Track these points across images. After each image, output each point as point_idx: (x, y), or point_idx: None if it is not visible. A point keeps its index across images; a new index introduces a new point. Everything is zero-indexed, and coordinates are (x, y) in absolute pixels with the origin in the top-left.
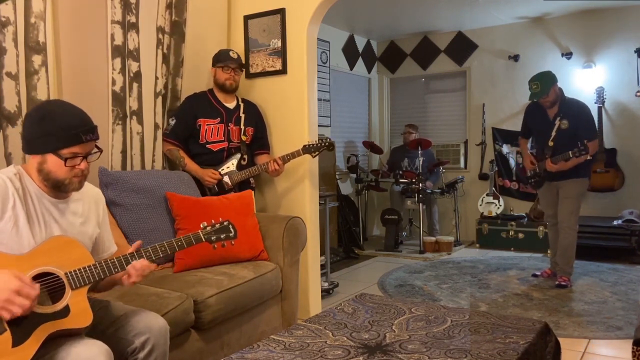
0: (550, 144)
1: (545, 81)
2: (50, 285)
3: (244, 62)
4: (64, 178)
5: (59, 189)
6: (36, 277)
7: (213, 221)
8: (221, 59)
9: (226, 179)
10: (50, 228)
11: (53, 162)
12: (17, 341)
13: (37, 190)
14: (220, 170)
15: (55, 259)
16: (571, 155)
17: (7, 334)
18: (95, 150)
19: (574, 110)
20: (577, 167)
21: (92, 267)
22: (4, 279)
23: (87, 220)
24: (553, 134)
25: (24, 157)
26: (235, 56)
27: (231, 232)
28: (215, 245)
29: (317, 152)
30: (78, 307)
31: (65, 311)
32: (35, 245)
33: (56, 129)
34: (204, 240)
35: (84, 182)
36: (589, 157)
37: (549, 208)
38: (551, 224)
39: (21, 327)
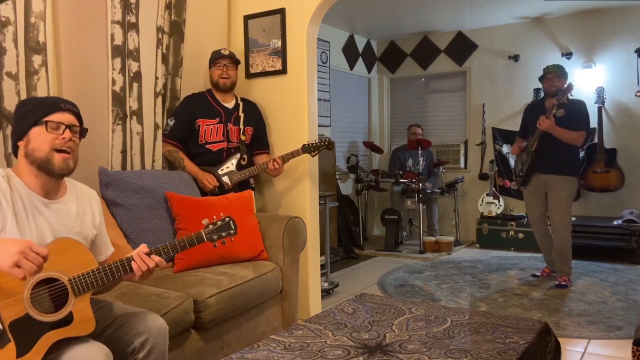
0: None
1: (562, 68)
2: (54, 292)
3: (243, 62)
4: (47, 153)
5: (46, 172)
6: (39, 284)
7: (215, 217)
8: (212, 57)
9: (225, 179)
10: (42, 229)
11: (35, 136)
12: (21, 351)
13: (27, 191)
14: (220, 170)
15: (58, 263)
16: (555, 103)
17: (12, 345)
18: (77, 125)
19: (572, 103)
20: (568, 164)
21: (96, 272)
22: (13, 239)
23: (82, 221)
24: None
25: None
26: (226, 52)
27: (232, 229)
28: (216, 244)
29: (316, 152)
30: (81, 314)
31: (69, 319)
32: None
33: (35, 104)
34: (205, 240)
35: (71, 164)
36: (575, 142)
37: (537, 208)
38: (537, 226)
39: (25, 337)
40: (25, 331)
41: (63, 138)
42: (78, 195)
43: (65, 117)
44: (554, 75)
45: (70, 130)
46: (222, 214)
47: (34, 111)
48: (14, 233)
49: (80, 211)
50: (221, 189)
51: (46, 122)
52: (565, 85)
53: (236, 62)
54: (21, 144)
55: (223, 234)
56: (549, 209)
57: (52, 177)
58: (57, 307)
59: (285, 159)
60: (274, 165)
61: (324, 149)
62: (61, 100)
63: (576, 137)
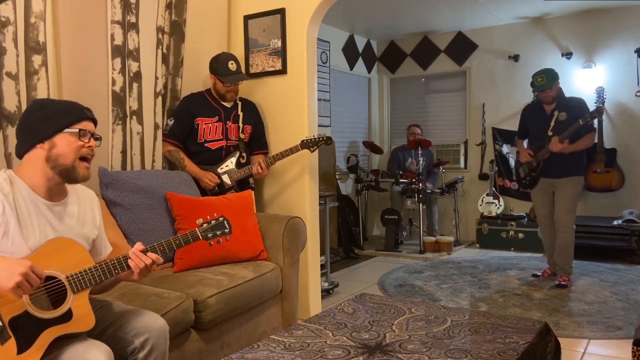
0: (550, 133)
1: (550, 75)
2: (52, 290)
3: (243, 62)
4: (73, 161)
5: (68, 178)
6: None
7: (208, 217)
8: (221, 72)
9: (225, 177)
10: (45, 232)
11: (63, 142)
12: (22, 348)
13: (31, 194)
14: (219, 168)
15: (55, 262)
16: (581, 123)
17: (12, 341)
18: (97, 135)
19: (572, 104)
20: (576, 163)
21: (93, 270)
22: (14, 259)
23: (83, 222)
24: (552, 124)
25: None
26: (234, 68)
27: (226, 228)
28: (212, 242)
29: (315, 147)
30: (80, 310)
31: (68, 315)
32: (29, 251)
33: (62, 109)
34: (200, 238)
35: (90, 173)
36: (583, 146)
37: (543, 207)
38: (544, 226)
39: (25, 333)
40: (25, 328)
41: (89, 146)
42: (79, 196)
43: (91, 126)
44: (547, 88)
45: (93, 138)
46: (215, 214)
47: (62, 116)
48: (16, 237)
49: (82, 212)
50: (221, 189)
51: (80, 130)
52: (595, 109)
53: (244, 77)
54: (42, 147)
55: (218, 232)
56: (555, 207)
57: (68, 182)
58: (55, 304)
59: (284, 154)
60: (257, 169)
61: (323, 145)
62: (84, 107)
63: (589, 142)
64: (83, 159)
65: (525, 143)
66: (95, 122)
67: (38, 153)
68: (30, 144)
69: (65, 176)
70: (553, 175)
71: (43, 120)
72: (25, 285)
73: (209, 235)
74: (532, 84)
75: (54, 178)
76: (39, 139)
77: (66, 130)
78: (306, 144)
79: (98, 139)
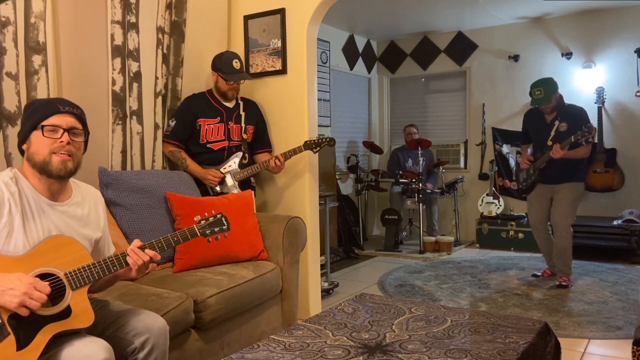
0: (550, 143)
1: (548, 88)
2: (51, 287)
3: (244, 62)
4: (45, 156)
5: (46, 174)
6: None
7: (206, 214)
8: (224, 69)
9: (228, 177)
10: (48, 231)
11: (35, 140)
12: (21, 345)
13: (34, 193)
14: (222, 169)
15: (54, 259)
16: (573, 140)
17: (11, 338)
18: (79, 128)
19: (573, 114)
20: (575, 170)
21: (92, 266)
22: (16, 276)
23: (87, 223)
24: (552, 133)
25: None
26: (238, 66)
27: (224, 225)
28: (210, 239)
29: (318, 148)
30: (79, 307)
31: (67, 312)
32: (31, 248)
33: (37, 107)
34: (198, 234)
35: (70, 165)
36: (584, 156)
37: (539, 212)
38: (537, 230)
39: (24, 330)
40: (24, 325)
41: (61, 142)
42: (84, 196)
43: (64, 120)
44: (544, 104)
45: (69, 133)
46: (213, 211)
47: (34, 114)
48: (20, 237)
49: (86, 213)
50: (224, 188)
51: (42, 126)
52: (586, 129)
53: (246, 76)
54: (25, 147)
55: (216, 229)
56: (553, 210)
57: (52, 179)
58: (54, 301)
59: (287, 155)
60: (275, 163)
61: (325, 146)
62: (61, 101)
63: (586, 152)
64: (60, 153)
65: (529, 149)
66: (76, 116)
67: (25, 154)
68: (19, 146)
69: (42, 172)
70: (552, 181)
71: (24, 120)
72: (30, 302)
73: (207, 232)
74: (530, 94)
75: (42, 177)
76: (21, 140)
77: (38, 127)
78: (309, 145)
79: (77, 133)
